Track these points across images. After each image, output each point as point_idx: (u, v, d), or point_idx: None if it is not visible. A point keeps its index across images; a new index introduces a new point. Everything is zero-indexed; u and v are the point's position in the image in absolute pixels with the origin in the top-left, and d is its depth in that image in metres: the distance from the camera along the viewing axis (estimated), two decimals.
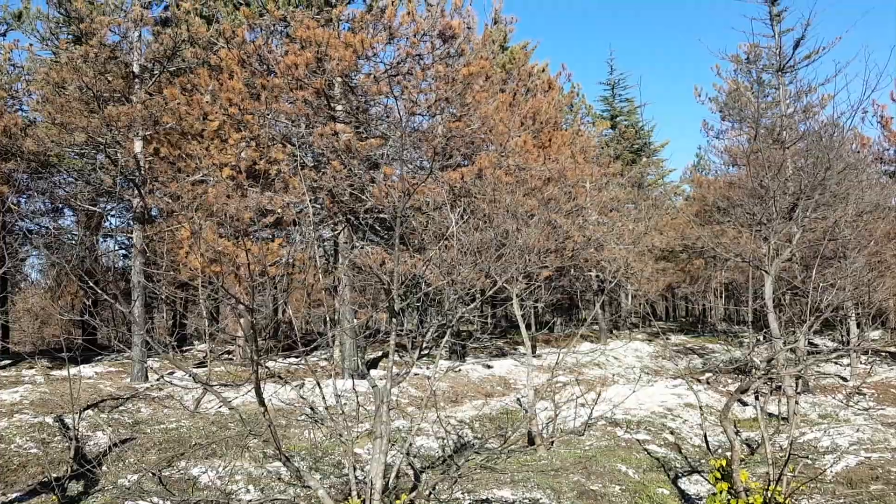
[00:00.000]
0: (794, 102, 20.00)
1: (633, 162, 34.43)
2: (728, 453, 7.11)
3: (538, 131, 21.87)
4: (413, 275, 9.79)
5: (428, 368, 16.23)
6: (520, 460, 9.16)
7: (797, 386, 14.26)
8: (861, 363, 18.09)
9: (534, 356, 19.96)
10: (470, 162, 18.24)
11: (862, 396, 15.04)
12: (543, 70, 26.68)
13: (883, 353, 23.21)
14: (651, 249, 25.32)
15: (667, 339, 27.84)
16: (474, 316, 21.05)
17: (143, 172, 15.63)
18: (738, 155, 22.80)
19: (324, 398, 7.01)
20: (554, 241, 16.44)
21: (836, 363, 19.31)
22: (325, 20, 16.44)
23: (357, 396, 9.03)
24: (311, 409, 8.53)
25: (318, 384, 6.72)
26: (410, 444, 9.96)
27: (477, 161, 16.87)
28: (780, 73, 17.75)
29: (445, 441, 10.59)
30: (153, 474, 8.17)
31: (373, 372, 16.90)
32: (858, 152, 20.58)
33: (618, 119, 37.55)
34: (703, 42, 70.68)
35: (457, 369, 17.07)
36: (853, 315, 17.41)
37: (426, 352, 18.45)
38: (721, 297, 37.33)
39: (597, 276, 23.78)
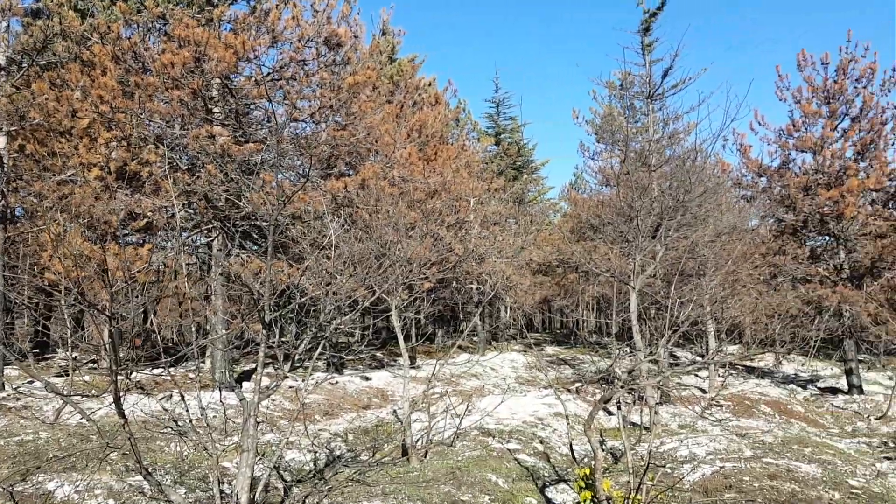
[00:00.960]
0: (663, 128, 21.17)
1: (515, 178, 35.33)
2: (593, 462, 7.40)
3: (424, 144, 22.11)
4: (288, 285, 9.63)
5: (304, 381, 15.98)
6: (392, 472, 9.16)
7: (659, 397, 15.03)
8: (718, 376, 19.26)
9: (413, 368, 20.04)
10: (354, 171, 18.18)
11: (719, 408, 16.01)
12: (430, 84, 27.01)
13: (738, 367, 24.83)
14: (529, 263, 26.05)
15: (541, 350, 28.65)
16: (354, 327, 20.93)
17: (6, 170, 14.60)
18: (610, 176, 23.86)
19: (187, 410, 6.77)
20: (436, 254, 16.63)
21: (696, 376, 20.48)
22: (205, 20, 15.98)
23: (225, 409, 8.77)
24: (175, 421, 8.21)
25: (182, 396, 6.49)
26: (281, 458, 9.77)
27: (361, 171, 16.84)
28: (649, 100, 18.76)
29: (317, 454, 10.45)
30: (3, 489, 7.62)
31: (245, 384, 16.45)
32: (719, 177, 22.02)
33: (502, 136, 38.46)
34: (582, 67, 73.72)
35: (333, 381, 16.88)
36: (711, 330, 18.54)
37: (299, 364, 18.15)
38: (593, 310, 38.85)
39: (477, 289, 24.23)
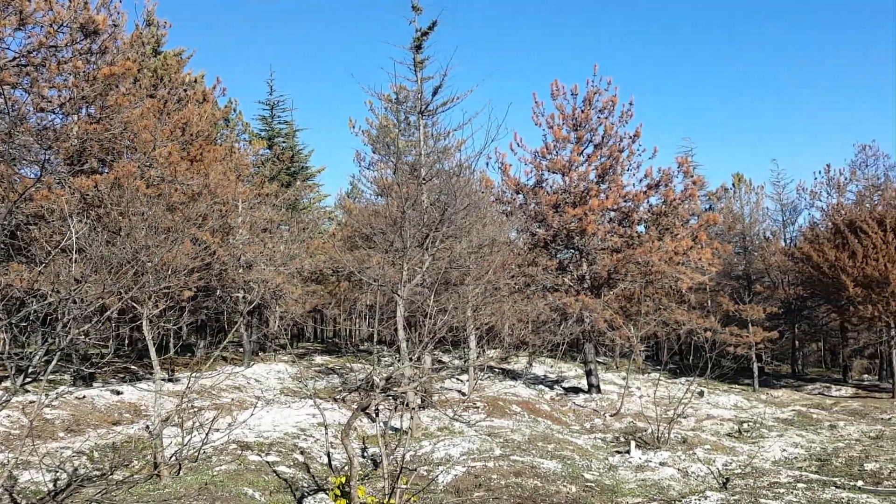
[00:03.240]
0: (434, 143, 22.05)
1: (288, 184, 34.76)
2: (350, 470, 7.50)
3: (188, 143, 21.05)
4: (25, 290, 8.75)
5: (46, 396, 14.53)
6: (141, 490, 8.62)
7: (421, 401, 15.57)
8: (478, 379, 20.35)
9: (170, 381, 19.00)
10: (109, 169, 16.98)
11: (476, 409, 16.93)
12: (197, 81, 25.85)
13: (496, 370, 26.43)
14: (301, 271, 25.77)
15: (311, 359, 28.46)
16: (106, 337, 19.38)
17: None
18: (384, 186, 24.37)
19: None
20: (198, 260, 15.90)
21: (458, 379, 21.47)
22: None
23: None
24: None
25: None
26: (14, 479, 8.82)
27: (116, 168, 15.77)
28: (421, 115, 19.42)
29: (58, 474, 9.55)
30: None
31: None
32: (483, 193, 23.35)
33: (276, 140, 37.66)
34: (357, 77, 74.46)
35: (81, 396, 15.52)
36: (472, 335, 19.54)
37: (34, 376, 16.45)
38: (366, 318, 39.31)
39: (244, 297, 23.52)
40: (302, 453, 11.10)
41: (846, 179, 33.28)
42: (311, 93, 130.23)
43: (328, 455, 8.96)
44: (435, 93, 19.01)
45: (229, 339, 16.86)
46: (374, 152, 28.30)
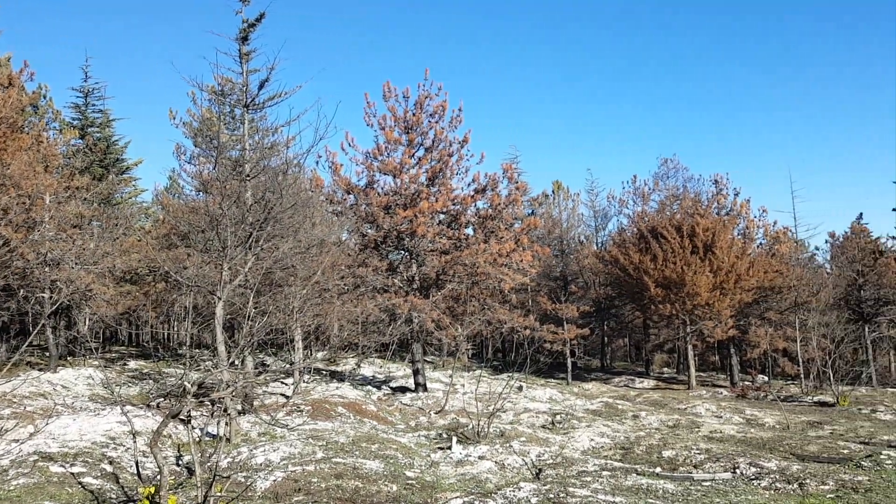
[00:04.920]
0: (262, 139, 21.46)
1: (101, 177, 32.49)
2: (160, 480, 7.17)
3: None
4: None
5: None
6: None
7: (241, 405, 15.16)
8: (302, 382, 20.09)
9: None
10: None
11: (300, 412, 16.70)
12: (2, 64, 23.73)
13: (324, 372, 26.23)
14: (113, 270, 24.18)
15: (124, 364, 26.84)
16: None
17: None
18: (205, 182, 23.42)
19: None
20: None
21: (283, 383, 21.09)
22: None
23: None
24: None
25: None
26: None
27: None
28: (246, 109, 18.85)
29: None
30: None
31: None
32: (313, 192, 23.09)
33: (90, 130, 35.09)
34: (179, 66, 70.33)
35: None
36: (299, 337, 19.28)
37: None
38: (184, 321, 37.50)
39: (50, 298, 21.71)
40: (111, 463, 10.46)
41: (650, 189, 36.33)
42: (131, 81, 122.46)
43: (137, 464, 8.51)
44: (262, 86, 18.53)
45: (31, 342, 15.50)
46: (195, 146, 27.09)
